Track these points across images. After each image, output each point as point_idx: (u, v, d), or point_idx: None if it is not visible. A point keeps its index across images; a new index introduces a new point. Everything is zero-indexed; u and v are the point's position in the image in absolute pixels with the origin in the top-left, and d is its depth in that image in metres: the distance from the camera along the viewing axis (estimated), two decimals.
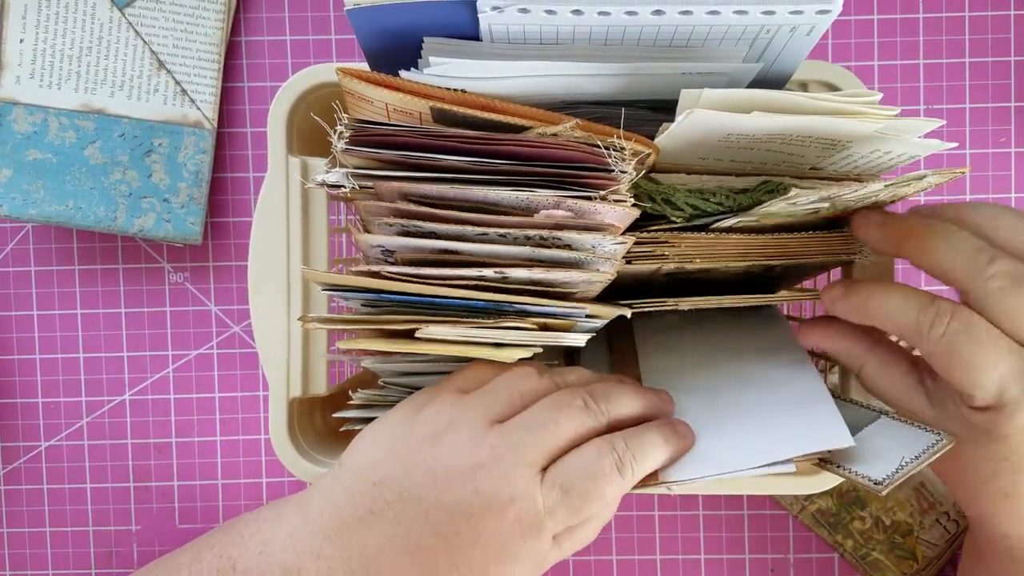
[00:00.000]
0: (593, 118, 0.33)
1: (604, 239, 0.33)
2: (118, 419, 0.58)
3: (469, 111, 0.32)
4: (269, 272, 0.42)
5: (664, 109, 0.34)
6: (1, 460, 0.59)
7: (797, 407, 0.38)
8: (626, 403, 0.36)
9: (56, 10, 0.53)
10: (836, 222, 0.39)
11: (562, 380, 0.37)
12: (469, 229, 0.33)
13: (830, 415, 0.37)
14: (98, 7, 0.54)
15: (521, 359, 0.35)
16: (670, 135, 0.32)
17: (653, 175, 0.35)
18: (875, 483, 0.33)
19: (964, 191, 0.57)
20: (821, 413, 0.37)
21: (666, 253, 0.35)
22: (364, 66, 0.34)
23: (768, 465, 0.35)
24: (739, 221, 0.36)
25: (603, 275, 0.34)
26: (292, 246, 0.42)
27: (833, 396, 0.38)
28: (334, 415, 0.40)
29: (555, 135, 0.32)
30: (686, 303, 0.38)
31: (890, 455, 0.34)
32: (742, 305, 0.39)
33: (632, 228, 0.35)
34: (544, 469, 0.34)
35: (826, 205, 0.34)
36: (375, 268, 0.34)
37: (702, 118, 0.30)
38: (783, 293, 0.43)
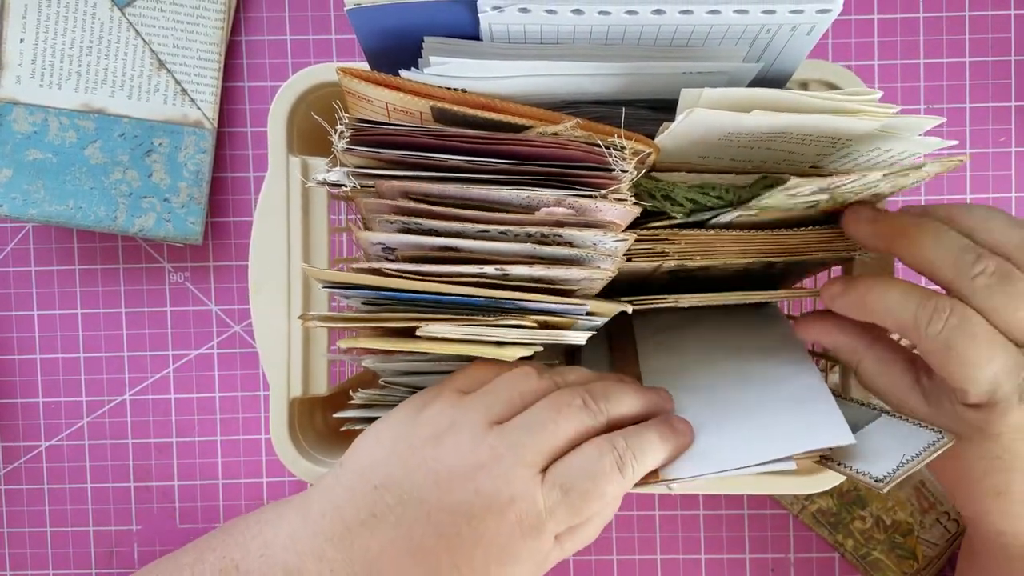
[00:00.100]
0: (594, 117, 0.33)
1: (605, 236, 0.33)
2: (119, 419, 0.59)
3: (470, 111, 0.32)
4: (270, 272, 0.42)
5: (664, 108, 0.34)
6: (1, 460, 0.59)
7: (797, 405, 0.38)
8: (626, 402, 0.36)
9: (56, 10, 0.53)
10: (836, 218, 0.39)
11: (562, 379, 0.37)
12: (470, 226, 0.33)
13: (830, 413, 0.37)
14: (98, 7, 0.54)
15: (522, 358, 0.35)
16: (670, 134, 0.32)
17: (654, 174, 0.35)
18: (876, 481, 0.33)
19: (964, 190, 0.57)
20: (821, 411, 0.37)
21: (667, 250, 0.35)
22: (364, 66, 0.34)
23: (769, 463, 0.35)
24: (739, 216, 0.36)
25: (604, 272, 0.34)
26: (293, 246, 0.42)
27: (833, 394, 0.38)
28: (335, 415, 0.41)
29: (556, 134, 0.32)
30: (687, 300, 0.38)
31: (891, 453, 0.34)
32: (742, 303, 0.39)
33: (633, 226, 0.35)
34: (545, 469, 0.34)
35: (825, 197, 0.34)
36: (376, 265, 0.34)
37: (702, 117, 0.30)
38: (783, 291, 0.43)
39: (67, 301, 0.58)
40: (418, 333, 0.34)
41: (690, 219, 0.36)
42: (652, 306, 0.38)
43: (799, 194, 0.33)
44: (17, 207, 0.53)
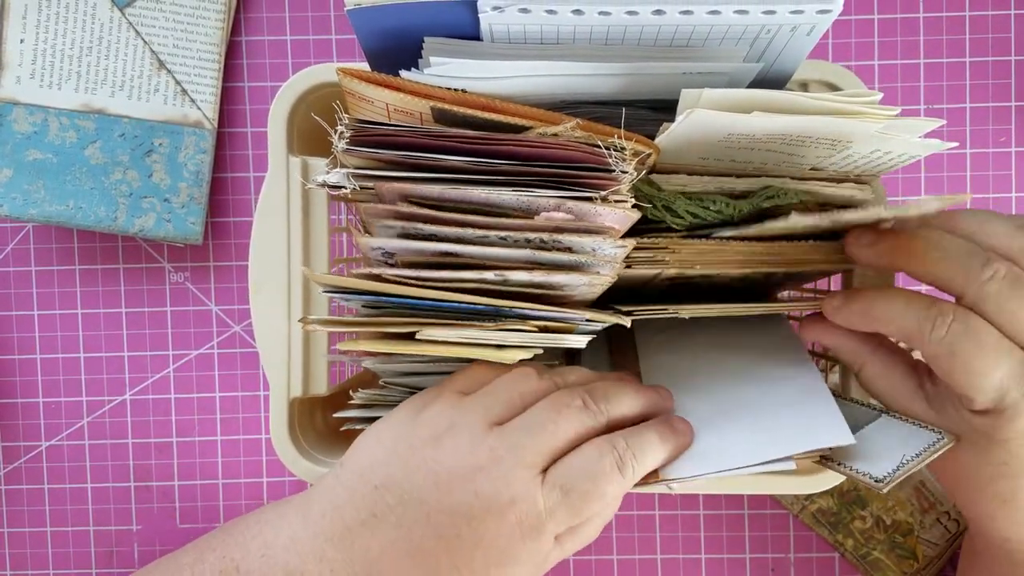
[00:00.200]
0: (593, 118, 0.33)
1: (604, 242, 0.33)
2: (119, 419, 0.59)
3: (469, 111, 0.32)
4: (270, 272, 0.42)
5: (664, 109, 0.34)
6: (2, 460, 0.59)
7: (797, 405, 0.38)
8: (625, 402, 0.36)
9: (56, 10, 0.53)
10: (838, 231, 0.39)
11: (562, 380, 0.37)
12: (469, 232, 0.33)
13: (831, 413, 0.37)
14: (98, 7, 0.54)
15: (521, 360, 0.35)
16: (670, 135, 0.32)
17: (653, 176, 0.35)
18: (876, 481, 0.33)
19: (965, 191, 0.57)
20: (821, 411, 0.37)
21: (667, 259, 0.35)
22: (364, 66, 0.34)
23: (769, 462, 0.35)
24: (739, 231, 0.36)
25: (604, 278, 0.34)
26: (293, 246, 0.42)
27: (833, 394, 0.38)
28: (335, 415, 0.41)
29: (555, 135, 0.32)
30: (686, 311, 0.38)
31: (891, 453, 0.34)
32: (743, 314, 0.39)
33: (633, 233, 0.35)
34: (545, 470, 0.34)
35: (827, 223, 0.34)
36: (376, 271, 0.34)
37: (702, 118, 0.30)
38: (784, 304, 0.43)
39: (67, 301, 0.58)
40: (418, 337, 0.34)
41: (692, 232, 0.36)
42: (652, 316, 0.38)
43: (799, 224, 0.33)
44: (17, 207, 0.54)
